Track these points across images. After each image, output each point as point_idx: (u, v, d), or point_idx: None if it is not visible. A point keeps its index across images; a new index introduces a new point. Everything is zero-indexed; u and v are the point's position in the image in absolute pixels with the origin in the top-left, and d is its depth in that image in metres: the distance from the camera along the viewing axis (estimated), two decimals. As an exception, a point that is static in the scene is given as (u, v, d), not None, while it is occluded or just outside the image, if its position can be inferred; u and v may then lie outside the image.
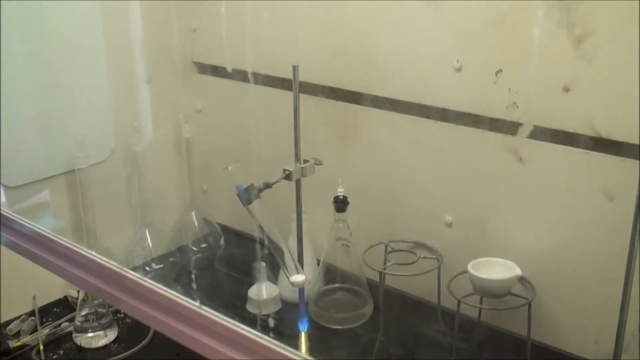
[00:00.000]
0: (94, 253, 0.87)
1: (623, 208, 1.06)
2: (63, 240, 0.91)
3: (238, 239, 1.64)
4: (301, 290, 1.12)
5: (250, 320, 1.34)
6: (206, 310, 0.73)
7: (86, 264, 0.88)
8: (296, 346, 1.09)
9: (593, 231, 1.13)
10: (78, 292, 1.39)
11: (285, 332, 1.29)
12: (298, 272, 1.05)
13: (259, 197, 1.06)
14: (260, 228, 1.08)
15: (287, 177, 1.10)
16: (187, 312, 0.75)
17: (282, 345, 0.67)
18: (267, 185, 1.08)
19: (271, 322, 1.35)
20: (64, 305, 1.46)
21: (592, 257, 1.14)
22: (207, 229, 1.62)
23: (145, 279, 0.80)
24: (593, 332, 1.17)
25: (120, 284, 0.84)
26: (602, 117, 1.07)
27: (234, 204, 1.60)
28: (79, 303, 1.36)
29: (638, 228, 0.95)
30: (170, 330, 0.78)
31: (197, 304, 0.74)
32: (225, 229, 1.64)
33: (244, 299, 1.40)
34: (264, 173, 1.11)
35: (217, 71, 1.60)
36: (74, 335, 1.35)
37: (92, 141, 1.42)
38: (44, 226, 0.94)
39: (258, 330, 0.70)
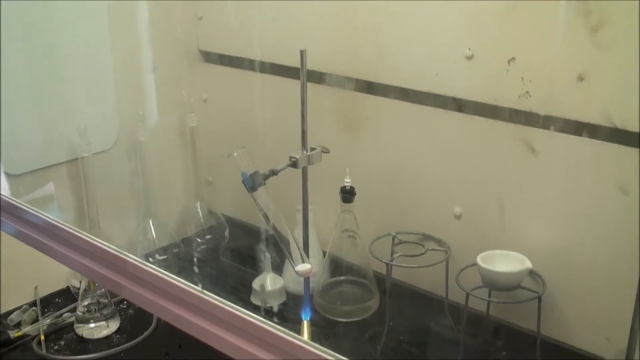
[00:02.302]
0: (95, 238, 0.86)
1: (638, 201, 1.03)
2: (65, 226, 0.90)
3: (243, 230, 1.62)
4: (306, 280, 1.10)
5: (254, 311, 1.32)
6: (209, 296, 0.71)
7: (88, 250, 0.86)
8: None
9: (607, 225, 1.10)
10: (80, 282, 1.38)
11: (289, 323, 1.27)
12: (303, 261, 1.03)
13: (264, 184, 1.04)
14: (265, 217, 1.05)
15: (294, 164, 1.08)
16: (190, 297, 0.73)
17: (287, 331, 0.65)
18: (273, 172, 1.06)
19: (275, 313, 1.33)
20: (66, 296, 1.44)
21: (606, 251, 1.11)
22: (212, 220, 1.60)
23: (148, 264, 0.78)
24: (605, 328, 1.14)
25: (122, 270, 0.82)
26: (618, 107, 1.05)
27: (239, 195, 1.58)
28: (80, 293, 1.34)
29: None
30: (172, 317, 0.76)
31: (199, 288, 0.72)
32: (230, 220, 1.62)
33: (248, 290, 1.38)
34: (270, 163, 1.08)
35: (223, 60, 1.58)
36: (75, 325, 1.33)
37: (96, 129, 1.40)
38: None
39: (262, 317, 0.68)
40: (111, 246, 0.83)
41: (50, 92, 1.38)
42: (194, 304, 0.73)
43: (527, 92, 1.13)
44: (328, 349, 0.62)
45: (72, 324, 1.34)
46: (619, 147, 1.06)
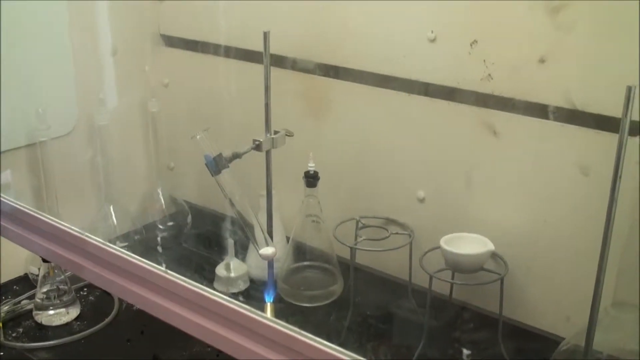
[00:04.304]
0: (56, 219, 0.84)
1: (598, 182, 1.05)
2: (25, 208, 0.88)
3: (205, 216, 1.60)
4: (270, 263, 1.09)
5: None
6: (173, 276, 0.71)
7: (48, 232, 0.85)
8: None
9: (567, 206, 1.12)
10: (39, 269, 1.35)
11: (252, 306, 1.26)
12: (268, 245, 1.02)
13: (228, 167, 1.03)
14: (230, 201, 1.04)
15: (257, 147, 1.07)
16: (153, 278, 0.72)
17: (252, 309, 0.64)
18: (237, 155, 1.05)
19: (239, 299, 1.32)
20: (24, 283, 1.42)
21: (567, 232, 1.12)
22: (174, 207, 1.58)
23: (109, 244, 0.77)
24: (565, 308, 1.16)
25: (83, 251, 0.80)
26: (578, 89, 1.06)
27: (201, 181, 1.58)
28: (39, 280, 1.31)
29: (615, 201, 0.93)
30: (135, 298, 0.75)
31: (163, 268, 0.71)
32: (192, 207, 1.61)
33: (212, 276, 1.37)
34: (233, 147, 1.07)
35: (185, 44, 1.55)
36: (34, 312, 1.31)
37: (54, 113, 1.37)
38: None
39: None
40: (72, 227, 0.81)
41: (7, 75, 1.34)
42: (158, 284, 0.72)
43: (489, 74, 1.13)
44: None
45: (30, 311, 1.32)
46: (579, 128, 1.07)
